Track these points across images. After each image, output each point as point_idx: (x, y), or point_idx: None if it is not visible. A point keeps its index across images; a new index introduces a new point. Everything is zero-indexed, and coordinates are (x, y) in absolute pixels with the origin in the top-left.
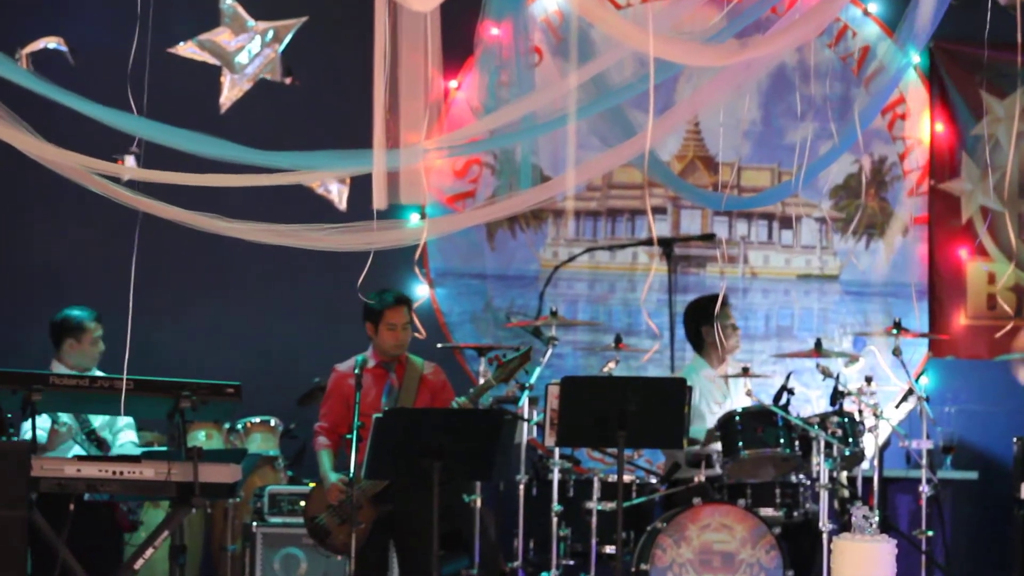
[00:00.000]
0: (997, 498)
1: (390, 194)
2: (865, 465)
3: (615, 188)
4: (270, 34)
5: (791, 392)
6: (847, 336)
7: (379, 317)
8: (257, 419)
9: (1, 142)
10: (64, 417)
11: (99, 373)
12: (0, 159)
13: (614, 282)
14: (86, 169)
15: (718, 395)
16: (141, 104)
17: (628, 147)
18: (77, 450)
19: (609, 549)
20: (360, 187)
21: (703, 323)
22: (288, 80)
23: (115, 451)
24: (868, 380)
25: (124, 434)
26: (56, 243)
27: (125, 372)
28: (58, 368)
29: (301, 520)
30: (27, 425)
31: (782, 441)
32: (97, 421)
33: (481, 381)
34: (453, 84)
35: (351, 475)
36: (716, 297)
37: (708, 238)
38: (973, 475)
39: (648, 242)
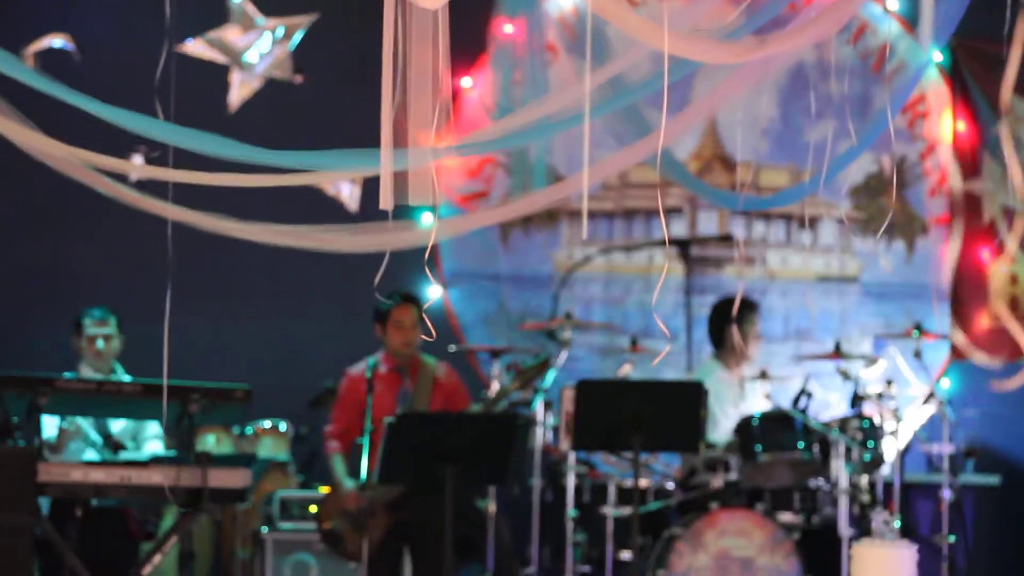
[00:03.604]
0: (1019, 503)
1: (398, 194)
2: (885, 470)
3: (631, 188)
4: (280, 31)
5: (810, 395)
6: (867, 338)
7: (386, 316)
8: (267, 423)
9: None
10: (80, 420)
11: (124, 376)
12: (25, 163)
13: (630, 284)
14: (91, 166)
15: (733, 398)
16: (147, 104)
17: (643, 146)
18: (91, 454)
19: (625, 555)
20: (371, 188)
21: (727, 324)
22: (298, 79)
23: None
24: (888, 383)
25: (151, 444)
26: (85, 246)
27: (165, 377)
28: (83, 368)
29: (312, 526)
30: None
31: (801, 445)
32: (117, 426)
33: (495, 384)
34: (467, 82)
35: (363, 480)
36: (745, 300)
37: (725, 239)
38: (995, 479)
39: (663, 243)
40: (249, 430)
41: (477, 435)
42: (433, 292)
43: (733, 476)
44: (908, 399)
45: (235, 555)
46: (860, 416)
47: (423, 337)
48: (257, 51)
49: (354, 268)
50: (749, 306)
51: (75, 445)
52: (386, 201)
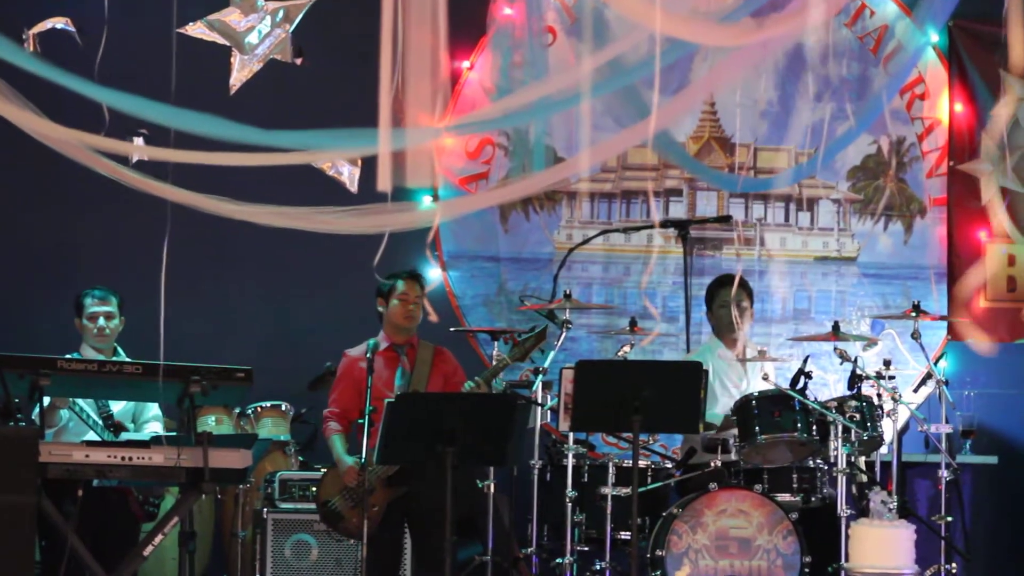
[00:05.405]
0: (1017, 482)
1: (396, 176)
2: (883, 450)
3: (630, 170)
4: (280, 14)
5: (808, 376)
6: (865, 319)
7: (390, 290)
8: (268, 404)
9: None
10: (81, 402)
11: (124, 357)
12: (27, 144)
13: (629, 265)
14: (91, 148)
15: (734, 376)
16: (149, 86)
17: (642, 127)
18: (92, 436)
19: (624, 535)
20: (371, 169)
21: (711, 302)
22: (299, 61)
23: None
24: (886, 364)
25: (151, 425)
26: (88, 227)
27: (162, 358)
28: (85, 350)
29: (312, 506)
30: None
31: (799, 425)
32: (117, 407)
33: (494, 363)
34: (466, 65)
35: (363, 459)
36: (731, 277)
37: (724, 220)
38: (993, 459)
39: (663, 225)
40: (250, 411)
41: (477, 415)
42: (433, 274)
43: (732, 456)
44: (906, 379)
45: (236, 535)
46: (858, 396)
47: (427, 318)
48: (258, 33)
49: (354, 250)
50: (724, 283)
51: (71, 424)
52: (384, 183)
